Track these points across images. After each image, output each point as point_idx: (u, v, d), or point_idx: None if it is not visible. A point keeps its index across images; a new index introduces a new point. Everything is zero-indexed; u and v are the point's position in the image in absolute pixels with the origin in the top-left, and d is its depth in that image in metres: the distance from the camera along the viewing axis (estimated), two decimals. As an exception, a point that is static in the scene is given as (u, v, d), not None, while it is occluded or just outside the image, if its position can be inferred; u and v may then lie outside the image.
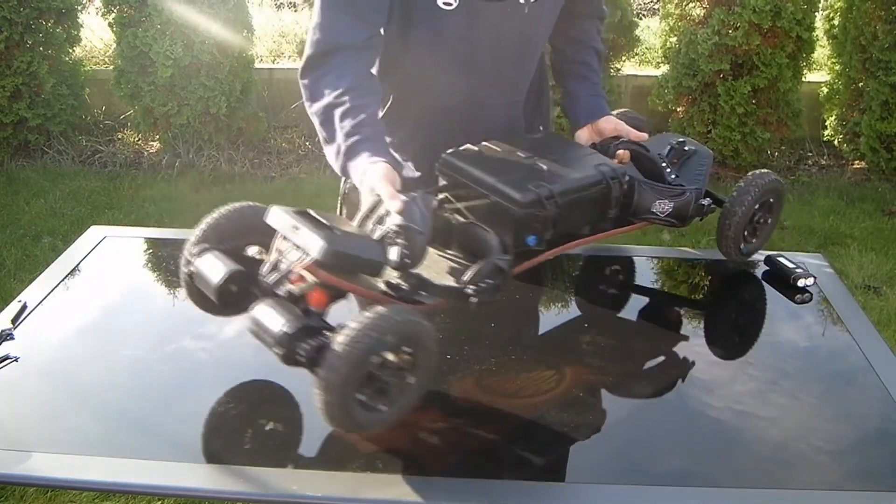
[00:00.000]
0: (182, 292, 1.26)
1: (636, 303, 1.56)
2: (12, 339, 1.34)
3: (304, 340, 1.03)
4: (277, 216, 1.12)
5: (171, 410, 1.19)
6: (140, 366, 1.29)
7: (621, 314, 1.48)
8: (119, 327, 1.42)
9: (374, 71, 1.41)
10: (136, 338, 1.37)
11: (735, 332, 1.46)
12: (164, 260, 1.69)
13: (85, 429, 1.15)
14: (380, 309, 1.01)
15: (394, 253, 1.11)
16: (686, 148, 1.55)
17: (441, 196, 1.32)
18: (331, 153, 1.36)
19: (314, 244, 1.05)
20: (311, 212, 1.12)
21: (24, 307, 1.43)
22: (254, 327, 1.08)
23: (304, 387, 1.22)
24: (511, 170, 1.29)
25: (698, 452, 1.12)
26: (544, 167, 1.31)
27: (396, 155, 1.43)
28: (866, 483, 1.06)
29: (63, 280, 1.54)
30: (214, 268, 1.14)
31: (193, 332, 1.40)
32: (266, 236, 1.19)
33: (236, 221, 1.21)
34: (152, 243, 1.77)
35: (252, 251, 1.21)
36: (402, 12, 1.41)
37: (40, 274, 1.56)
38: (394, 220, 1.13)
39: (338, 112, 1.33)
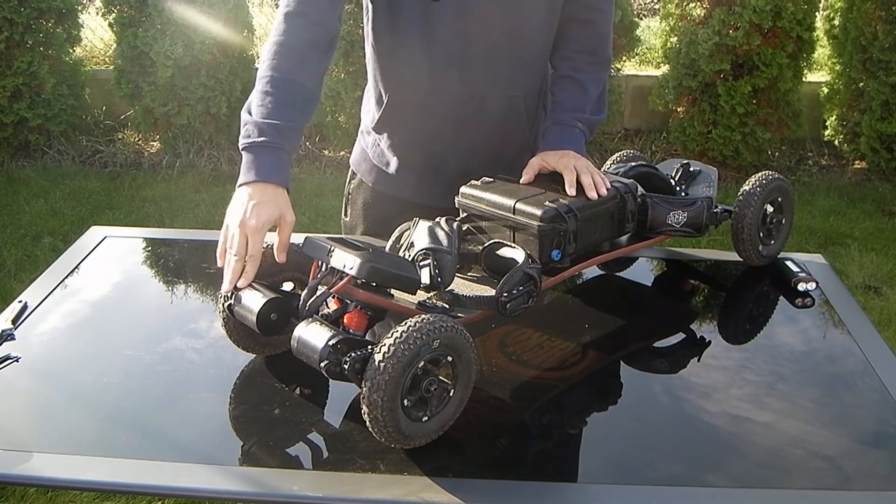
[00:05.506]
0: (181, 291, 1.27)
1: (637, 304, 1.57)
2: (13, 339, 1.34)
3: (348, 353, 1.05)
4: (312, 244, 1.17)
5: (172, 410, 1.19)
6: (140, 366, 1.29)
7: (621, 316, 1.48)
8: (119, 327, 1.42)
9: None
10: (136, 338, 1.37)
11: (737, 333, 1.46)
12: (164, 260, 1.69)
13: (85, 429, 1.15)
14: (426, 316, 1.03)
15: (425, 275, 1.17)
16: (692, 169, 1.63)
17: (464, 227, 1.36)
18: (247, 120, 1.30)
19: (351, 261, 1.10)
20: (345, 237, 1.17)
21: (24, 307, 1.43)
22: (297, 346, 1.10)
23: (305, 387, 1.23)
24: (529, 193, 1.35)
25: (700, 453, 1.12)
26: (559, 188, 1.37)
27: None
28: (868, 482, 1.06)
29: (63, 280, 1.54)
30: (254, 297, 1.18)
31: (194, 332, 1.40)
32: (301, 272, 1.25)
33: (271, 259, 1.24)
34: (152, 243, 1.77)
35: (288, 287, 1.26)
36: (388, 3, 1.43)
37: (40, 274, 1.56)
38: (422, 244, 1.20)
39: (275, 96, 1.29)
